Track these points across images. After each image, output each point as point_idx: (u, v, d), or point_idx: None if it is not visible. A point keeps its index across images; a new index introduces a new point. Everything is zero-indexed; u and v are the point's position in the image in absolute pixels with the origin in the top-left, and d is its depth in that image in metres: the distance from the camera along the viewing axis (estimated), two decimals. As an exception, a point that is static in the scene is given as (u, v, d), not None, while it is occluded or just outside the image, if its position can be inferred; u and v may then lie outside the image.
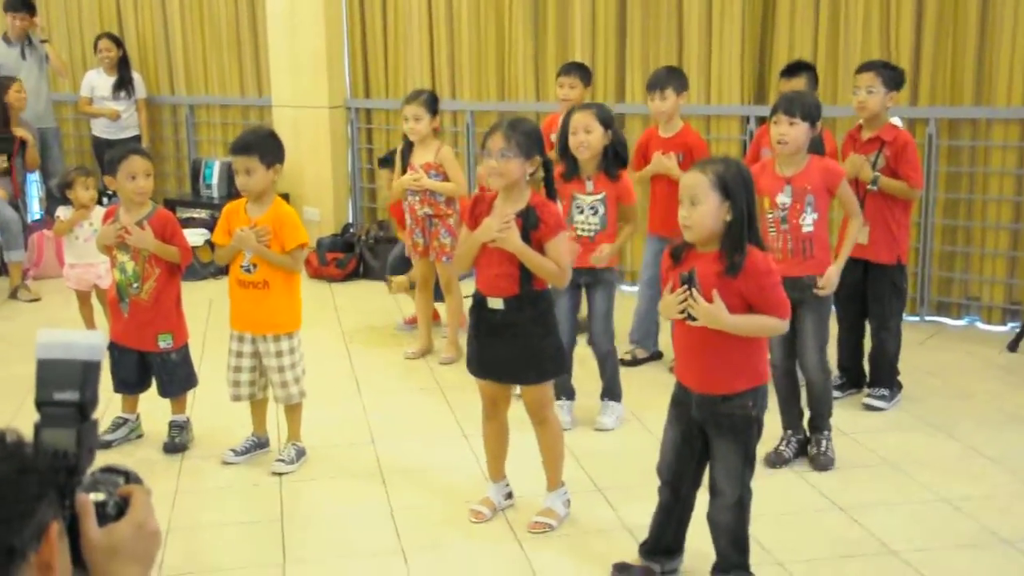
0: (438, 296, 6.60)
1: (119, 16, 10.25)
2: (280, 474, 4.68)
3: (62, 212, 6.84)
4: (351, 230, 8.81)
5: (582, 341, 5.31)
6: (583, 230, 5.01)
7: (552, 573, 3.80)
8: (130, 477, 1.76)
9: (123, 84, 9.55)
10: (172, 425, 5.01)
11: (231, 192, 8.69)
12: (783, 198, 4.54)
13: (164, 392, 5.01)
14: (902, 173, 5.20)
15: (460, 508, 4.27)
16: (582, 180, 5.02)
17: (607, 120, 4.98)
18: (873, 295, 5.37)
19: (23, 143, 8.61)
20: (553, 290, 4.13)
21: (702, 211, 3.36)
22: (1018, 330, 6.41)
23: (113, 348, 4.94)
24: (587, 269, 4.93)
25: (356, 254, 8.48)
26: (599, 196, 4.99)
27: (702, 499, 3.62)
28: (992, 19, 6.58)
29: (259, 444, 4.92)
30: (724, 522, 3.55)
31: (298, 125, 8.74)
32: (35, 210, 9.55)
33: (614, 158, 5.01)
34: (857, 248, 5.07)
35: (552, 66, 7.96)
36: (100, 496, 1.68)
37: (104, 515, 1.66)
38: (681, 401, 3.57)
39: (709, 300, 3.34)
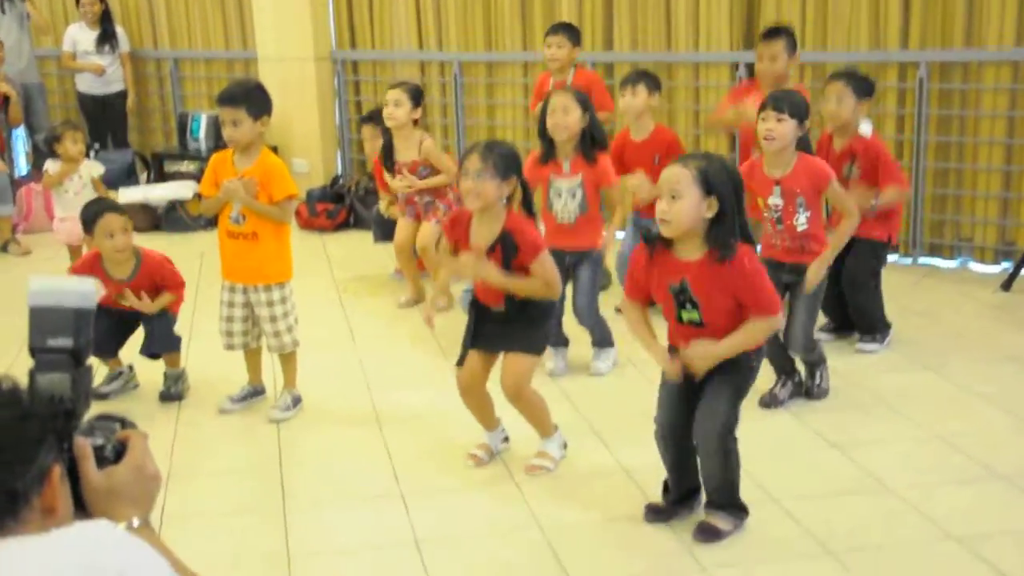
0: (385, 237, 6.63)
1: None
2: (277, 421, 4.69)
3: (51, 166, 6.82)
4: (340, 181, 8.79)
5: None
6: (562, 217, 4.97)
7: (551, 516, 3.81)
8: (126, 423, 1.78)
9: (106, 38, 9.47)
10: (167, 376, 5.02)
11: (218, 145, 8.62)
12: (774, 200, 4.56)
13: (152, 347, 4.99)
14: (883, 181, 5.21)
15: (458, 453, 4.28)
16: (559, 162, 4.99)
17: (584, 101, 4.94)
18: (855, 263, 5.30)
19: (6, 99, 8.53)
20: None
21: (682, 206, 3.32)
22: (1011, 270, 6.43)
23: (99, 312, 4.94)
24: (573, 250, 4.94)
25: (346, 205, 8.47)
26: (576, 180, 4.95)
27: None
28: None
29: (255, 392, 4.92)
30: (711, 467, 3.58)
31: (284, 77, 8.68)
32: (22, 165, 9.50)
33: (592, 141, 4.97)
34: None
35: (540, 15, 7.93)
36: (98, 440, 1.69)
37: (103, 459, 1.68)
38: (677, 358, 3.58)
39: (707, 310, 3.39)
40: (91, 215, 4.89)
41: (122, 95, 9.60)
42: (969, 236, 6.95)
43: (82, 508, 1.65)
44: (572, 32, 6.43)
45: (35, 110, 9.44)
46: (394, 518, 3.84)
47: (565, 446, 4.24)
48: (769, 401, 4.70)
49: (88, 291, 1.79)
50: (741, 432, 4.37)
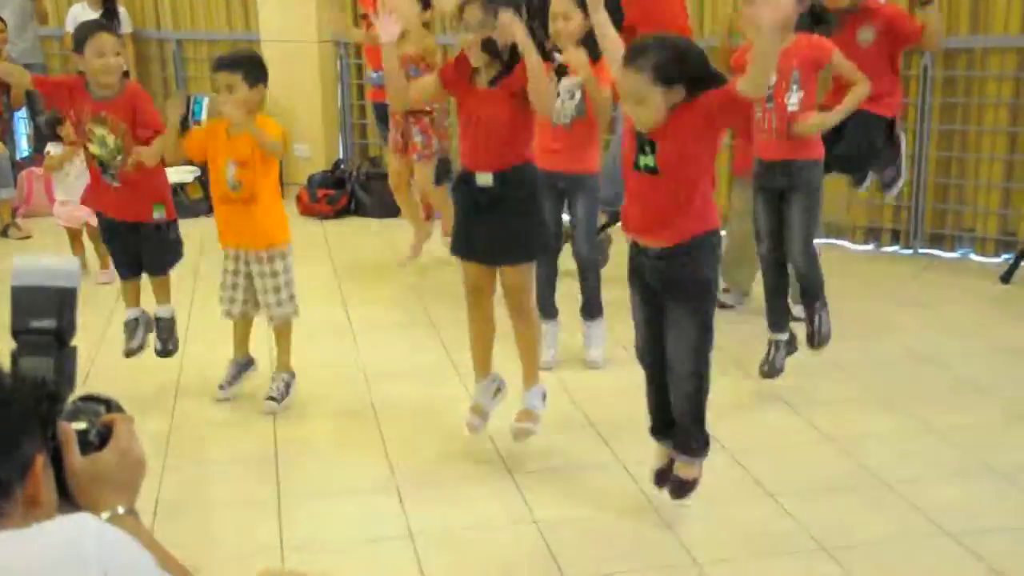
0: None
1: (103, -51, 10.09)
2: (273, 413, 4.69)
3: (52, 148, 6.81)
4: (342, 166, 8.75)
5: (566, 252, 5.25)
6: (558, 118, 4.77)
7: (547, 508, 3.82)
8: (111, 406, 1.74)
9: (109, 18, 9.41)
10: (159, 322, 4.98)
11: (221, 128, 8.63)
12: None
13: (155, 267, 4.92)
14: (900, 32, 5.11)
15: (453, 444, 4.29)
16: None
17: (586, 6, 4.84)
18: (867, 145, 5.20)
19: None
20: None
21: (649, 109, 3.26)
22: (1012, 261, 6.41)
23: (106, 228, 4.92)
24: (567, 173, 4.82)
25: (347, 190, 8.44)
26: (576, 79, 4.77)
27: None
28: (988, -55, 6.52)
29: (244, 365, 4.91)
30: (680, 394, 3.55)
31: (287, 60, 8.63)
32: (23, 147, 9.49)
33: (595, 43, 4.88)
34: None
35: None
36: (82, 425, 1.65)
37: (87, 443, 1.64)
38: (637, 269, 3.53)
39: (663, 154, 3.29)
40: (84, 34, 4.71)
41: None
42: (971, 226, 6.93)
43: (66, 495, 1.61)
44: None
45: (36, 93, 9.40)
46: (389, 511, 3.84)
47: (545, 397, 4.21)
48: (769, 371, 4.67)
49: (71, 270, 1.75)
50: (737, 426, 4.42)
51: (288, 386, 4.80)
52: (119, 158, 4.73)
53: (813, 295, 4.66)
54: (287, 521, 3.79)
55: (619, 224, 3.83)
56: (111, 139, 4.71)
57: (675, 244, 3.40)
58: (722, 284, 5.95)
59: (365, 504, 3.92)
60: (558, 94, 4.75)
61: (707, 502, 3.73)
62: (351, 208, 8.42)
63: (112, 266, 5.60)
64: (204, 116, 4.52)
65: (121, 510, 1.65)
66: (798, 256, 4.55)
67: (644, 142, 3.34)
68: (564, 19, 4.73)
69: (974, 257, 6.90)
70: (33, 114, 9.35)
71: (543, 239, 4.15)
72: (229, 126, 4.59)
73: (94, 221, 6.12)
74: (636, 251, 3.53)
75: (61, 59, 10.10)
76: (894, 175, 5.40)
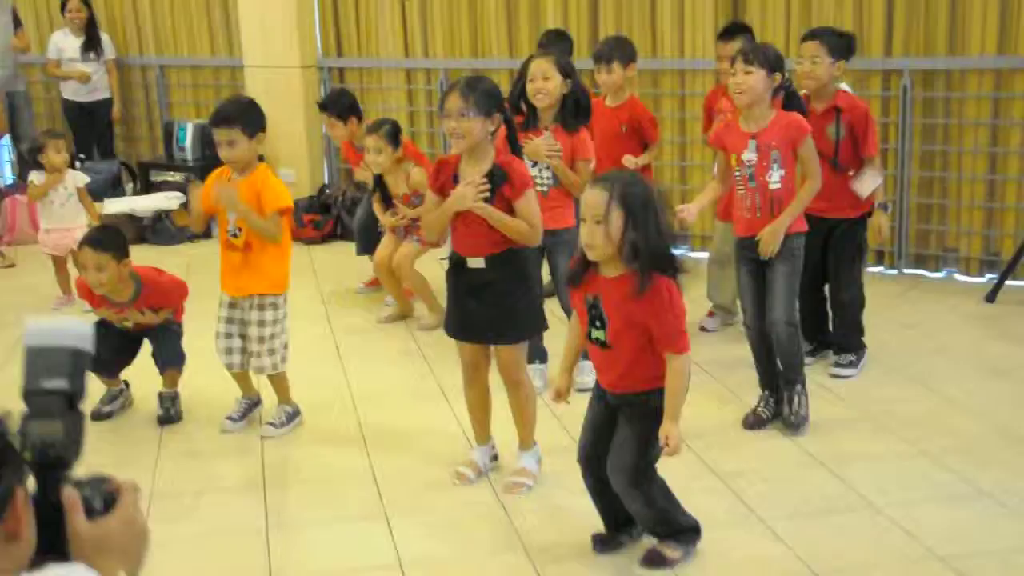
0: (371, 250, 6.56)
1: (85, -25, 10.07)
2: (270, 437, 4.67)
3: (35, 177, 6.76)
4: (327, 191, 8.73)
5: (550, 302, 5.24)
6: (538, 184, 4.77)
7: (535, 534, 3.80)
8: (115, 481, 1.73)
9: (91, 45, 9.41)
10: (163, 397, 4.94)
11: (205, 154, 8.61)
12: (749, 154, 4.44)
13: (169, 361, 4.92)
14: (861, 142, 5.04)
15: (442, 470, 4.26)
16: (539, 131, 4.91)
17: (567, 69, 4.87)
18: (835, 255, 5.21)
19: (-10, 107, 8.53)
20: None
21: (604, 232, 3.24)
22: (996, 281, 6.42)
23: (101, 323, 4.86)
24: (546, 231, 4.85)
25: (333, 215, 8.43)
26: (556, 148, 4.85)
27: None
28: (965, -32, 6.56)
29: (252, 404, 4.88)
30: (635, 508, 3.52)
31: (270, 86, 8.63)
32: (6, 175, 9.44)
33: (574, 108, 4.89)
34: (819, 206, 4.82)
35: (525, 21, 7.91)
36: (86, 491, 1.64)
37: (91, 510, 1.63)
38: (599, 392, 3.56)
39: (613, 332, 3.33)
40: (79, 243, 4.87)
41: (107, 103, 9.54)
42: (954, 246, 6.94)
43: (64, 557, 1.58)
44: (565, 40, 6.43)
45: (20, 119, 9.38)
46: (378, 539, 3.80)
47: (541, 461, 4.22)
48: (753, 422, 4.65)
49: (86, 333, 1.73)
50: (729, 451, 4.41)
51: (291, 418, 4.79)
52: (128, 325, 4.88)
53: (791, 376, 4.62)
54: (275, 550, 3.75)
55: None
56: (129, 324, 4.88)
57: (635, 392, 3.41)
58: (708, 306, 5.98)
59: (354, 532, 3.88)
60: (535, 163, 4.84)
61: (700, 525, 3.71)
62: (337, 233, 8.40)
63: (70, 293, 5.91)
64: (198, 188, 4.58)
65: None
66: (780, 323, 4.52)
67: (596, 316, 3.35)
68: (543, 79, 4.83)
69: (959, 277, 6.91)
70: (15, 141, 9.31)
71: (536, 319, 4.15)
72: (231, 175, 4.57)
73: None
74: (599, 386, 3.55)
75: (44, 86, 10.07)
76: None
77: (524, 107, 4.95)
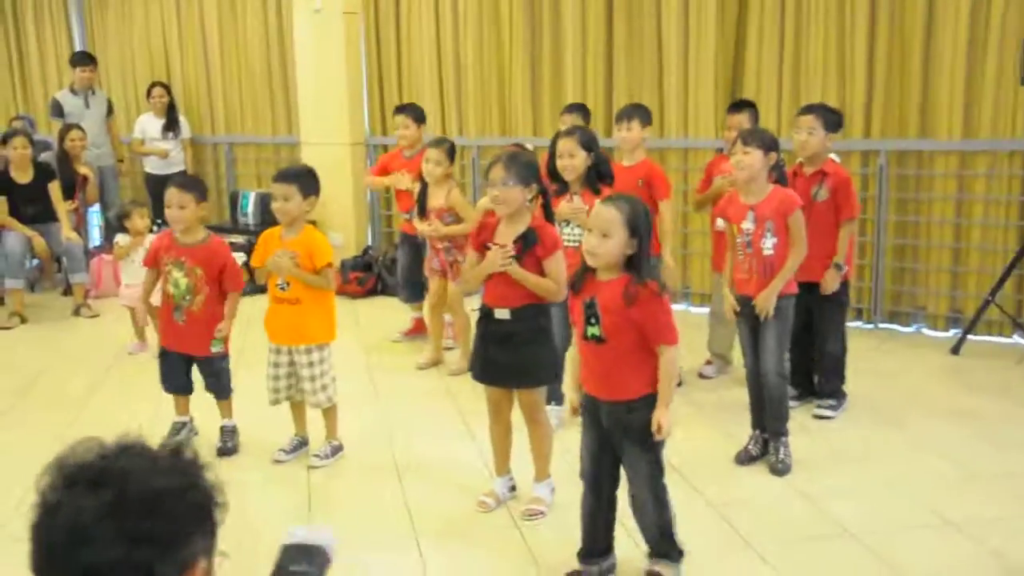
0: (415, 298, 6.56)
1: (167, 65, 10.25)
2: (316, 467, 4.66)
3: (121, 239, 6.84)
4: (370, 252, 8.78)
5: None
6: (568, 240, 4.88)
7: (549, 556, 3.76)
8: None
9: (171, 126, 9.56)
10: (224, 431, 4.95)
11: (265, 219, 8.66)
12: (747, 224, 4.48)
13: (218, 393, 4.96)
14: (842, 205, 5.07)
15: (467, 500, 4.23)
16: (570, 196, 4.96)
17: (589, 144, 4.91)
18: (819, 312, 5.20)
19: (85, 179, 8.64)
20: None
21: (611, 244, 3.26)
22: (960, 336, 6.37)
23: (165, 355, 4.92)
24: None
25: (375, 273, 8.46)
26: (583, 209, 4.84)
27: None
28: (932, 65, 6.59)
29: (303, 443, 4.88)
30: (648, 520, 3.48)
31: (323, 160, 8.64)
32: (95, 238, 9.54)
33: (597, 176, 4.94)
34: (802, 271, 4.86)
35: (548, 105, 7.97)
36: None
37: None
38: (590, 410, 3.47)
39: (607, 325, 3.28)
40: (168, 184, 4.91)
41: (182, 174, 9.62)
42: (924, 305, 6.90)
43: None
44: (583, 111, 6.45)
45: (108, 189, 9.52)
46: (409, 563, 3.77)
47: (554, 491, 4.19)
48: (744, 458, 4.62)
49: (333, 543, 1.82)
50: (720, 484, 4.36)
51: (335, 451, 4.78)
52: (187, 298, 4.81)
53: (778, 428, 4.58)
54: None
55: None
56: (184, 281, 4.81)
57: (627, 401, 3.35)
58: (706, 355, 5.95)
59: (388, 553, 3.85)
60: (568, 222, 4.90)
61: (693, 551, 3.65)
62: (378, 289, 8.43)
63: (143, 339, 6.07)
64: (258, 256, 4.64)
65: None
66: (771, 373, 4.52)
67: (592, 314, 3.34)
68: (569, 156, 4.89)
69: (927, 332, 6.86)
70: (104, 208, 9.42)
71: (553, 367, 4.15)
72: (282, 231, 4.61)
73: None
74: (590, 398, 3.47)
75: (129, 161, 10.20)
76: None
77: (556, 176, 5.00)
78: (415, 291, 6.77)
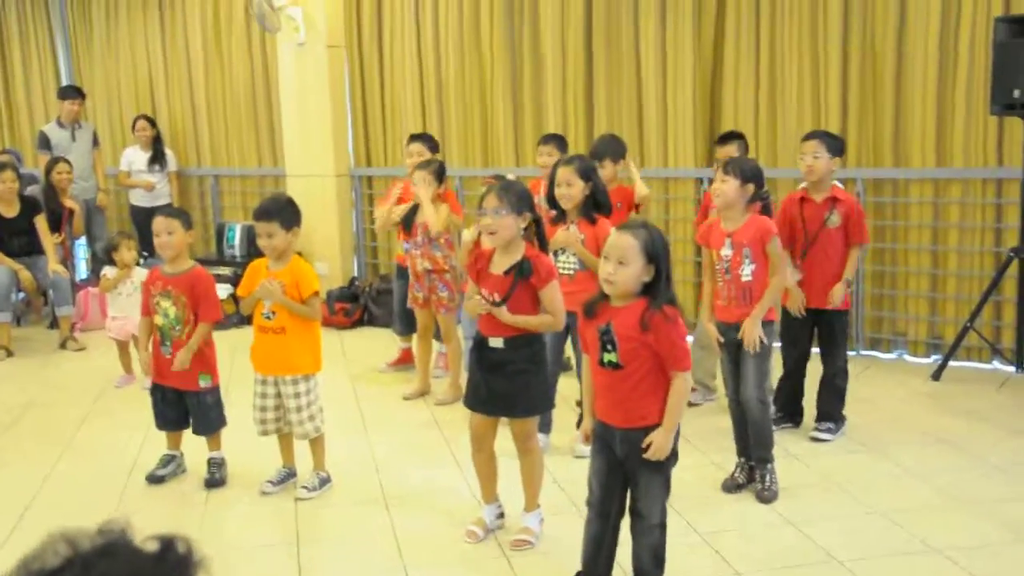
0: (410, 330, 6.58)
1: (152, 98, 10.25)
2: (303, 500, 4.62)
3: (108, 271, 6.81)
4: (356, 283, 8.76)
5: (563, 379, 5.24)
6: (564, 269, 4.91)
7: (538, 587, 3.74)
8: None
9: (157, 158, 9.55)
10: (211, 463, 4.91)
11: (251, 251, 8.66)
12: (725, 251, 4.50)
13: (198, 430, 4.92)
14: (853, 232, 5.14)
15: (456, 529, 4.20)
16: (567, 224, 4.98)
17: (586, 173, 4.93)
18: (826, 339, 5.26)
19: (71, 213, 8.60)
20: None
21: (628, 272, 3.25)
22: (940, 362, 6.39)
23: (156, 389, 4.88)
24: (570, 311, 4.85)
25: (361, 304, 8.43)
26: (579, 238, 4.92)
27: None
28: (904, 95, 6.65)
29: (290, 474, 4.84)
30: (648, 542, 3.45)
31: (308, 191, 8.71)
32: (82, 271, 9.50)
33: (594, 205, 4.95)
34: (812, 296, 5.10)
35: (529, 136, 7.99)
36: None
37: None
38: (602, 436, 3.45)
39: (624, 352, 3.27)
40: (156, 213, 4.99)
41: (168, 207, 9.59)
42: (904, 331, 6.93)
43: None
44: (560, 142, 6.44)
45: (95, 222, 9.49)
46: (399, 591, 3.75)
47: (542, 521, 4.16)
48: (730, 486, 4.61)
49: None
50: (708, 512, 4.35)
51: (323, 483, 4.74)
52: (177, 329, 4.79)
53: (763, 455, 4.57)
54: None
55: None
56: (172, 311, 4.79)
57: (644, 427, 3.34)
58: (690, 383, 5.93)
59: (378, 585, 3.83)
60: (564, 251, 4.92)
61: (681, 580, 3.66)
62: (364, 320, 8.41)
63: (132, 372, 6.13)
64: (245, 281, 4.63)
65: None
66: (752, 399, 4.52)
67: (608, 341, 3.32)
68: (567, 185, 4.90)
69: (907, 358, 6.88)
70: (91, 241, 9.39)
71: (545, 397, 4.14)
72: (269, 262, 4.60)
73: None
74: (604, 426, 3.45)
75: (115, 194, 10.17)
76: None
77: (555, 204, 5.02)
78: (409, 322, 6.70)
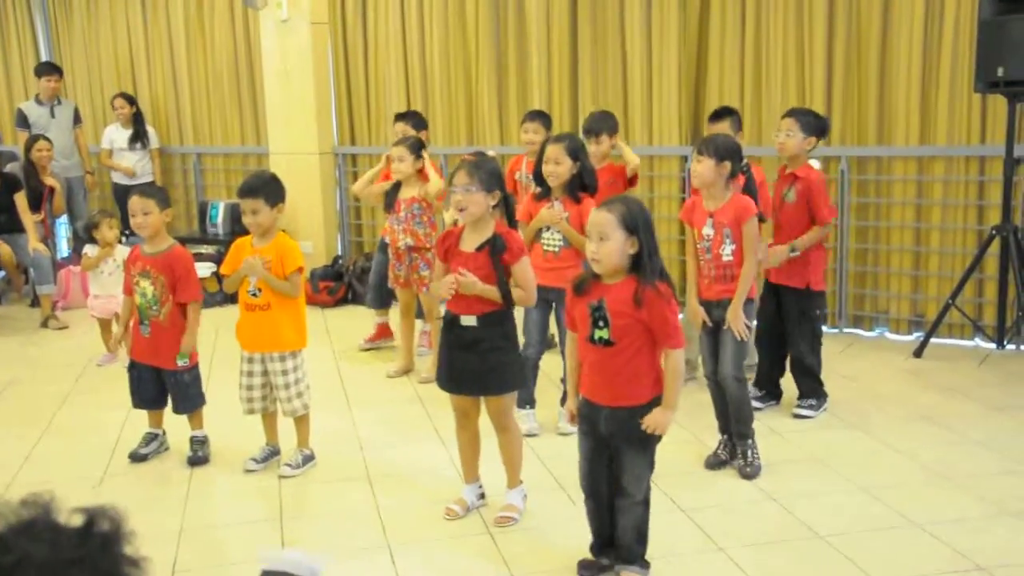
0: (382, 303, 6.63)
1: (133, 75, 10.17)
2: (287, 477, 4.60)
3: (89, 250, 6.75)
4: (340, 261, 8.73)
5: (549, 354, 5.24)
6: (548, 246, 4.94)
7: (521, 562, 3.73)
8: None
9: (138, 136, 9.48)
10: (193, 440, 4.88)
11: (235, 230, 8.61)
12: (707, 230, 4.47)
13: (177, 409, 4.88)
14: (811, 209, 5.11)
15: (439, 507, 4.19)
16: (551, 201, 4.96)
17: (575, 152, 4.92)
18: (787, 317, 5.26)
19: (52, 191, 8.52)
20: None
21: (610, 246, 3.25)
22: (922, 339, 6.41)
23: (133, 367, 4.85)
24: (555, 288, 4.81)
25: (345, 282, 8.41)
26: (564, 215, 4.92)
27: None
28: (888, 73, 6.65)
29: (274, 452, 4.82)
30: (631, 519, 3.46)
31: (292, 169, 8.65)
32: (63, 249, 9.43)
33: (580, 184, 4.94)
34: (774, 272, 5.12)
35: (514, 114, 7.95)
36: None
37: None
38: (588, 417, 3.45)
39: (616, 328, 3.27)
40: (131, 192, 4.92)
41: (150, 185, 9.53)
42: (886, 309, 6.94)
43: None
44: (545, 119, 6.40)
45: (76, 200, 9.42)
46: (381, 568, 3.73)
47: (526, 498, 4.16)
48: (713, 463, 4.61)
49: (317, 569, 1.64)
50: (691, 488, 4.36)
51: (306, 460, 4.72)
52: (154, 308, 4.74)
53: (743, 431, 4.57)
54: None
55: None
56: (150, 290, 4.74)
57: (630, 407, 3.35)
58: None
59: (360, 560, 3.80)
60: (548, 227, 4.93)
61: (666, 554, 3.66)
62: (348, 298, 8.38)
63: (113, 351, 6.19)
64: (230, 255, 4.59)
65: None
66: (730, 377, 4.51)
67: (599, 317, 3.32)
68: (555, 163, 4.90)
69: (890, 335, 6.90)
70: (72, 220, 9.32)
71: (519, 374, 4.09)
72: (254, 239, 4.57)
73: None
74: (590, 405, 3.45)
75: (98, 171, 10.10)
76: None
77: (542, 181, 5.00)
78: (383, 297, 6.71)
